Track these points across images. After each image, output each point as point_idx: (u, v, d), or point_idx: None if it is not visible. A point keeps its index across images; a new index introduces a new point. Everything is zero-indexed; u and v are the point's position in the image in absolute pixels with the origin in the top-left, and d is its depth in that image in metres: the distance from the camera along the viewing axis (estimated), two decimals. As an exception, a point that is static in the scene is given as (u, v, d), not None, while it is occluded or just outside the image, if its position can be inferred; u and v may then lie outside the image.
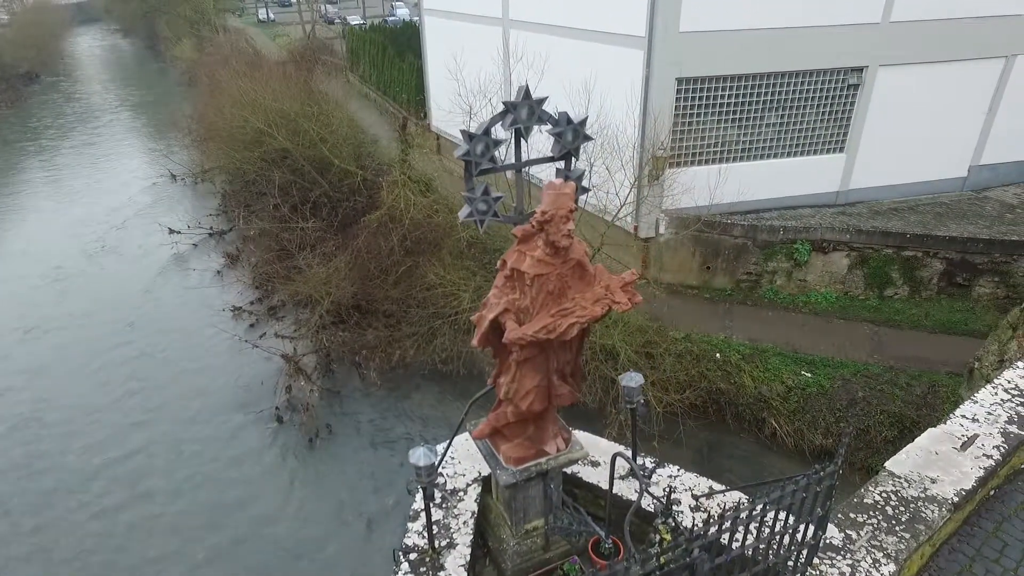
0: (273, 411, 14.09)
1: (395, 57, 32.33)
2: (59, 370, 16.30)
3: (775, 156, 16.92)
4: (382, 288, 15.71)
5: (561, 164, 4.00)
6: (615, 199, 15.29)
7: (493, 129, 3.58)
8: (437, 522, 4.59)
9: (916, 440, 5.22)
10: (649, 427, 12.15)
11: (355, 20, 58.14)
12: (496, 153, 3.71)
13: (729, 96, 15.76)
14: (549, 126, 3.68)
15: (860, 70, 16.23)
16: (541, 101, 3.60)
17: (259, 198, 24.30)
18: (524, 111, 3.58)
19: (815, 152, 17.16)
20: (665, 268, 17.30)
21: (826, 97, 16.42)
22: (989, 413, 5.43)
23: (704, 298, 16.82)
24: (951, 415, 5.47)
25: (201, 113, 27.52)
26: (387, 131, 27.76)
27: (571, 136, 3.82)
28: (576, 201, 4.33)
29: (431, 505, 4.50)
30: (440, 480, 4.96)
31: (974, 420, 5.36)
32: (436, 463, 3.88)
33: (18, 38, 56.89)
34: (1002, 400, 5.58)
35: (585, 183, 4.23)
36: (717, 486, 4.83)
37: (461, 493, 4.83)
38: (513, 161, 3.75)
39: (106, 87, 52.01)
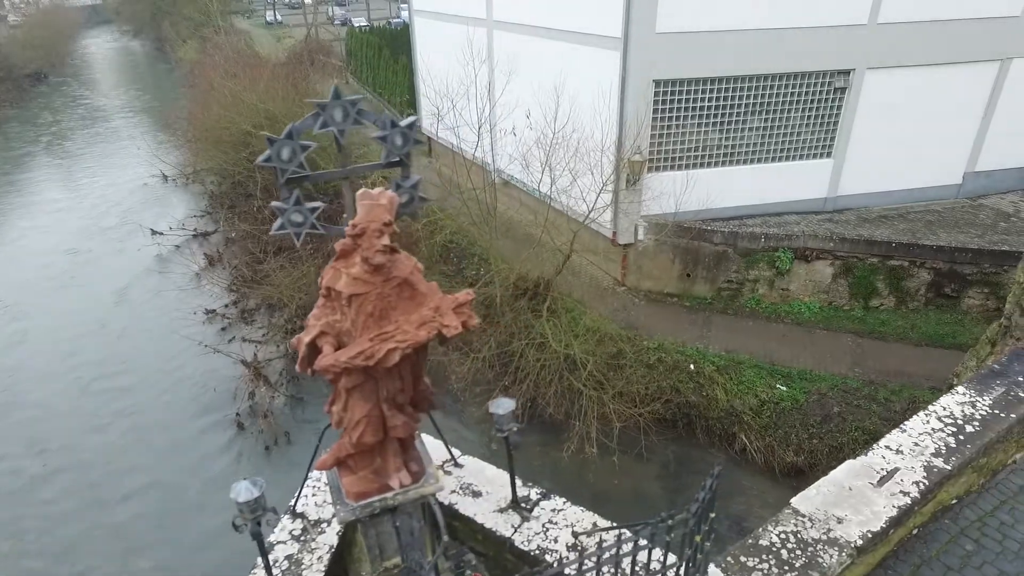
0: (234, 417, 13.83)
1: (390, 59, 32.17)
2: (25, 369, 16.20)
3: (759, 161, 16.43)
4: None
5: (421, 175, 3.63)
6: (595, 202, 14.88)
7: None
8: (290, 557, 4.24)
9: (831, 473, 4.79)
10: (610, 441, 11.73)
11: (360, 22, 58.25)
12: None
13: (709, 99, 15.31)
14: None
15: (847, 73, 15.72)
16: (355, 102, 3.25)
17: (246, 199, 24.13)
18: (337, 112, 3.23)
19: (801, 157, 16.65)
20: (644, 275, 16.87)
21: (812, 100, 15.92)
22: (916, 444, 4.98)
23: (684, 306, 16.35)
24: (874, 445, 5.03)
25: (192, 114, 27.45)
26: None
27: (400, 140, 3.46)
28: (416, 213, 3.98)
29: (286, 538, 4.16)
30: (305, 507, 4.61)
31: (898, 452, 4.91)
32: (261, 498, 3.52)
33: (27, 39, 57.54)
34: (932, 429, 5.13)
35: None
36: (603, 522, 4.43)
37: (324, 525, 4.47)
38: (341, 167, 3.41)
39: (110, 88, 52.39)
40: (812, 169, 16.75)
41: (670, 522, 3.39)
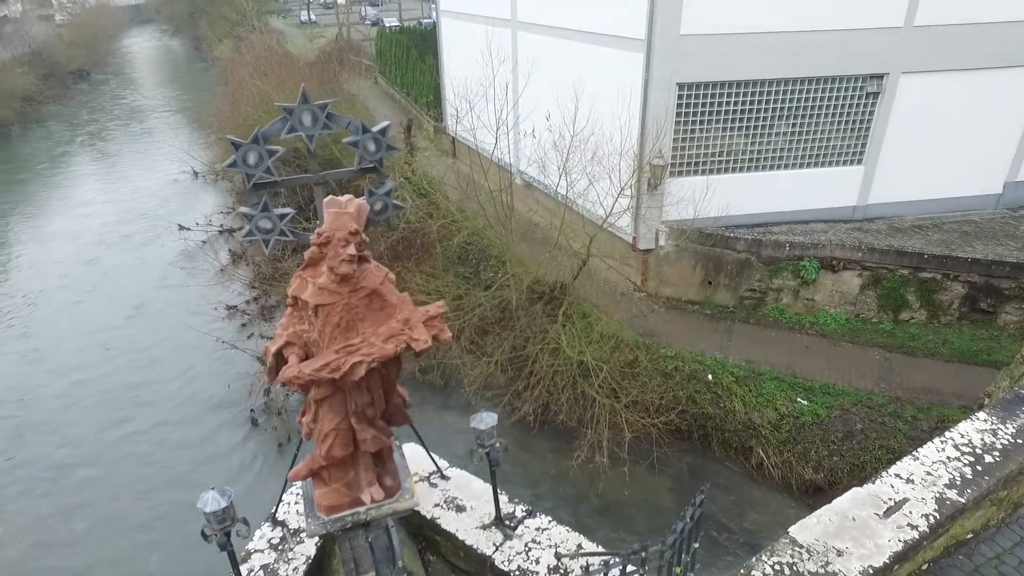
0: (248, 414, 13.95)
1: (417, 59, 32.25)
2: (52, 357, 16.63)
3: (786, 167, 15.99)
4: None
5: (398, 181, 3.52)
6: (612, 207, 14.64)
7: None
8: (266, 567, 4.16)
9: (834, 501, 4.53)
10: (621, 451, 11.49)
11: (391, 22, 58.60)
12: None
13: (735, 103, 14.94)
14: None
15: (880, 77, 15.18)
16: (324, 106, 3.14)
17: (272, 196, 24.35)
18: (306, 117, 3.13)
19: (830, 164, 16.14)
20: (665, 281, 16.55)
21: (842, 105, 15.42)
22: (929, 473, 4.69)
23: (705, 314, 15.99)
24: (883, 473, 4.75)
25: (222, 111, 27.93)
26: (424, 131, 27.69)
27: (373, 146, 3.35)
28: (390, 221, 3.85)
29: (269, 545, 4.08)
30: (286, 514, 4.53)
31: (908, 481, 4.62)
32: (230, 508, 3.44)
33: (72, 37, 59.35)
34: (948, 458, 4.82)
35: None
36: (588, 544, 4.25)
37: (304, 534, 4.38)
38: (312, 173, 3.31)
39: (148, 86, 53.76)
40: (841, 176, 16.23)
41: (654, 550, 3.21)
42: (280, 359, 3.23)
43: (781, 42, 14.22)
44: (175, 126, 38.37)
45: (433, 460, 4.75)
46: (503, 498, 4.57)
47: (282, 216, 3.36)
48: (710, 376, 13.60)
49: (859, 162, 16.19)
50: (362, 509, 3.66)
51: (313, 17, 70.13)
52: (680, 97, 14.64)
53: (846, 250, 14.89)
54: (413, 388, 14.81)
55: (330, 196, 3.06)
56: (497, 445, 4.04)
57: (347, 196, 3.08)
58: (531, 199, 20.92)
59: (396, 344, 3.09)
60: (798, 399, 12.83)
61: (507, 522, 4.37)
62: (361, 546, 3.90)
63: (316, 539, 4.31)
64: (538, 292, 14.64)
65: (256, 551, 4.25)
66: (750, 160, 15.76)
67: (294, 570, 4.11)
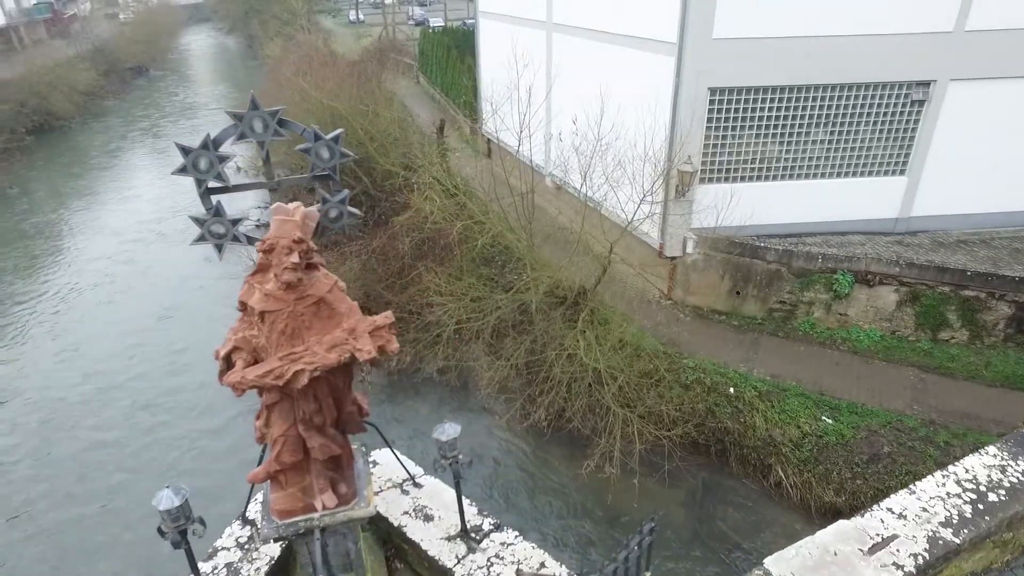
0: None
1: (457, 59, 32.43)
2: (93, 341, 17.32)
3: (822, 176, 15.43)
4: (391, 291, 15.57)
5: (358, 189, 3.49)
6: (635, 213, 14.39)
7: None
8: (229, 565, 4.19)
9: (817, 533, 4.30)
10: (631, 461, 11.25)
11: (436, 22, 59.12)
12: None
13: (769, 109, 14.50)
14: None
15: (927, 84, 14.50)
16: (274, 113, 3.13)
17: (307, 193, 24.88)
18: (257, 123, 3.12)
19: (870, 174, 15.51)
20: (692, 290, 16.20)
21: (885, 113, 14.79)
22: (924, 509, 4.41)
23: (731, 325, 15.57)
24: (875, 506, 4.49)
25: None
26: (447, 132, 27.83)
27: (326, 154, 3.32)
28: (345, 229, 3.82)
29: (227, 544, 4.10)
30: (257, 513, 4.56)
31: (900, 516, 4.36)
32: (184, 506, 3.47)
33: (133, 35, 61.90)
34: (947, 494, 4.52)
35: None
36: (552, 562, 4.14)
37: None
38: (266, 179, 3.30)
39: (202, 82, 55.65)
40: (882, 187, 15.57)
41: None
42: (229, 362, 3.25)
43: (820, 47, 13.72)
44: (222, 123, 39.49)
45: (405, 468, 4.71)
46: (472, 510, 4.50)
47: (235, 221, 3.38)
48: (732, 389, 13.23)
49: (902, 172, 15.50)
50: (316, 515, 3.65)
51: (361, 17, 71.33)
52: (712, 102, 14.29)
53: (882, 264, 14.27)
54: (431, 388, 14.89)
55: (277, 203, 3.06)
56: (460, 457, 3.98)
57: (295, 203, 3.07)
58: (561, 202, 20.77)
59: (340, 354, 3.06)
60: (823, 417, 12.36)
61: (473, 534, 4.30)
62: (318, 551, 3.88)
63: (280, 541, 4.31)
64: (559, 296, 14.49)
65: (223, 548, 4.30)
66: (784, 168, 15.27)
67: (256, 570, 4.13)
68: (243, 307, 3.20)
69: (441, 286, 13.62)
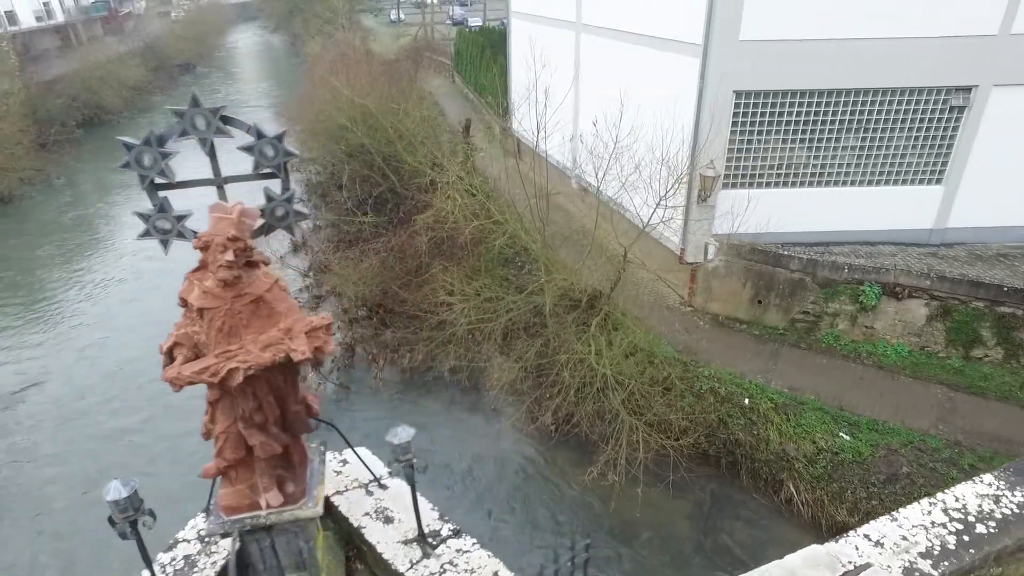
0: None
1: (490, 59, 32.47)
2: (122, 320, 17.88)
3: (852, 184, 14.93)
4: (407, 290, 15.66)
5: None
6: (650, 217, 14.14)
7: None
8: (188, 557, 4.23)
9: (786, 557, 4.11)
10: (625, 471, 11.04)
11: (476, 22, 59.39)
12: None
13: (798, 113, 14.09)
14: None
15: (968, 90, 13.88)
16: (216, 110, 3.12)
17: (338, 190, 25.25)
18: (199, 120, 3.12)
19: (904, 182, 14.93)
20: (713, 297, 15.83)
21: (921, 119, 14.22)
22: (904, 538, 4.17)
23: (752, 335, 15.17)
24: (851, 532, 4.28)
25: (300, 106, 29.16)
26: (475, 132, 27.87)
27: (271, 152, 3.30)
28: (292, 228, 3.79)
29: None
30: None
31: (877, 544, 4.13)
32: (133, 497, 3.51)
33: (183, 33, 63.91)
34: (932, 523, 4.27)
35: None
36: (506, 572, 4.06)
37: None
38: (214, 176, 3.31)
39: (245, 79, 57.07)
40: (917, 196, 14.97)
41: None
42: (172, 358, 3.27)
43: (853, 50, 13.26)
44: (261, 119, 40.41)
45: (369, 469, 4.69)
46: (433, 514, 4.46)
47: (180, 217, 3.40)
48: (747, 400, 12.88)
49: (938, 182, 14.88)
50: (262, 513, 3.65)
51: (402, 16, 72.19)
52: (737, 105, 13.96)
53: (912, 277, 13.70)
54: (443, 387, 14.89)
55: (216, 201, 3.06)
56: (414, 460, 3.93)
57: (235, 202, 3.07)
58: (585, 204, 20.59)
59: (274, 353, 3.05)
60: (840, 433, 11.93)
61: (430, 539, 4.25)
62: (268, 549, 3.89)
63: (228, 537, 4.33)
64: (574, 300, 14.34)
65: (183, 540, 4.34)
66: (812, 175, 14.82)
67: (212, 563, 4.16)
68: (184, 303, 3.22)
69: (453, 285, 13.62)
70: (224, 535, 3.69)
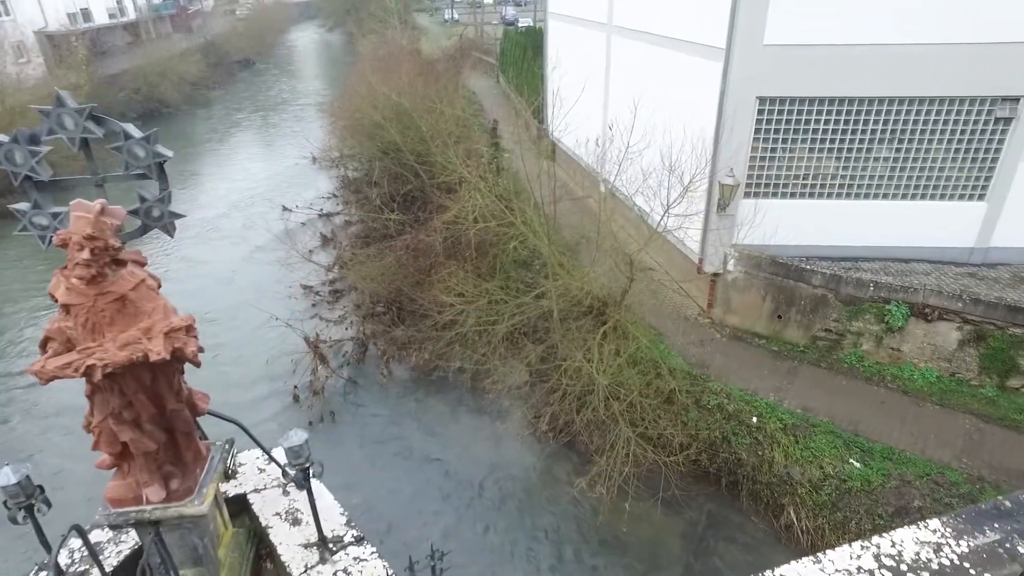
0: (292, 389, 14.76)
1: (531, 60, 32.40)
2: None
3: (884, 197, 14.16)
4: (420, 288, 15.74)
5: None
6: (668, 224, 13.77)
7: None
8: (97, 544, 4.32)
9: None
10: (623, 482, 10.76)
11: (526, 22, 59.37)
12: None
13: (826, 121, 13.45)
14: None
15: (1016, 100, 12.94)
16: (82, 110, 3.14)
17: (371, 186, 25.66)
18: (67, 120, 3.14)
19: (942, 197, 14.06)
20: (731, 309, 15.34)
21: (963, 131, 13.35)
22: (821, 585, 3.88)
23: (770, 350, 14.60)
24: (767, 571, 4.00)
25: (342, 103, 29.78)
26: (513, 132, 27.84)
27: (141, 152, 3.30)
28: (168, 228, 3.78)
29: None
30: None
31: (791, 589, 3.86)
32: (25, 483, 3.59)
33: (244, 30, 66.31)
34: (859, 568, 3.95)
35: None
36: (400, 585, 3.98)
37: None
38: (90, 175, 3.33)
39: (300, 76, 58.76)
40: (956, 212, 14.08)
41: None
42: (44, 351, 3.32)
43: (886, 56, 12.57)
44: (310, 115, 41.59)
45: (283, 469, 4.67)
46: (341, 519, 4.42)
47: (56, 214, 3.46)
48: (755, 419, 12.39)
49: (980, 197, 13.95)
50: (148, 507, 3.68)
51: (456, 15, 72.88)
52: (760, 112, 13.43)
53: (943, 298, 12.89)
54: (449, 388, 14.89)
55: (78, 200, 3.09)
56: (307, 465, 3.90)
57: (99, 200, 3.10)
58: (613, 209, 20.25)
59: (131, 352, 3.06)
60: (850, 459, 11.33)
61: (331, 545, 4.21)
62: (157, 543, 3.92)
63: (115, 529, 4.37)
64: (585, 306, 14.11)
65: (98, 527, 4.43)
66: (841, 186, 14.13)
67: (119, 552, 4.23)
68: (54, 299, 3.27)
69: (457, 286, 13.60)
70: (114, 527, 3.74)
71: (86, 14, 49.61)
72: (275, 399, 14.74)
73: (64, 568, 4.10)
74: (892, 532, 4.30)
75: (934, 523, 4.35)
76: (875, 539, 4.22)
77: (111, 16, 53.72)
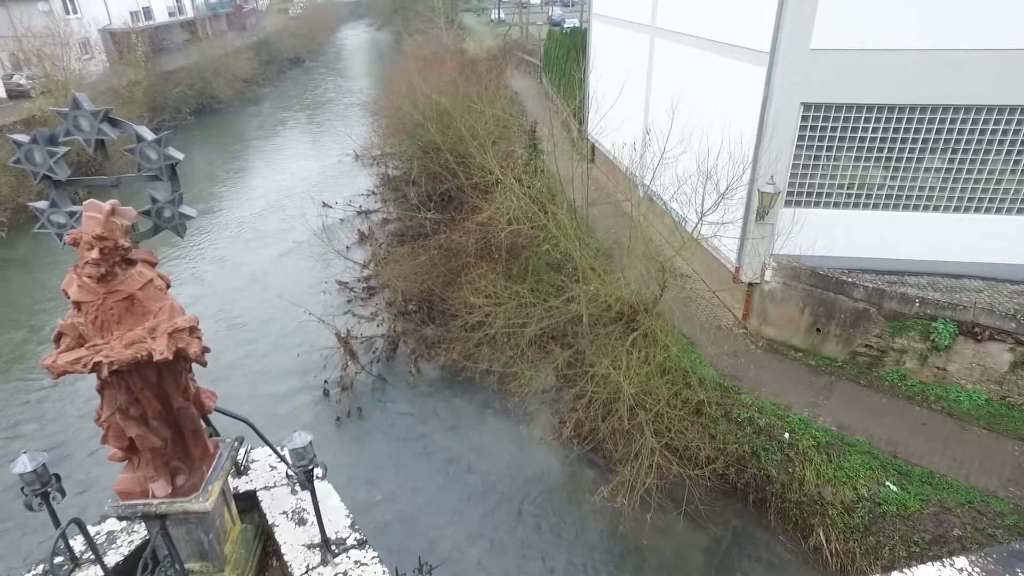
0: (323, 384, 15.00)
1: (574, 61, 32.16)
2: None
3: (935, 209, 13.56)
4: (450, 288, 15.80)
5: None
6: (703, 231, 13.48)
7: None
8: (111, 533, 4.44)
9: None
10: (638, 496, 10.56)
11: (572, 23, 59.05)
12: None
13: (874, 130, 12.95)
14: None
15: (1082, 110, 12.22)
16: (98, 112, 3.20)
17: (409, 184, 25.92)
18: (83, 122, 3.22)
19: (999, 211, 13.39)
20: (768, 321, 14.92)
21: (1022, 141, 12.67)
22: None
23: (807, 364, 14.16)
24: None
25: (384, 102, 30.18)
26: (551, 134, 27.73)
27: (153, 155, 3.35)
28: (179, 229, 3.83)
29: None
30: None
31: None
32: (42, 471, 3.72)
33: (296, 29, 67.89)
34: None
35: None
36: (397, 592, 3.97)
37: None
38: (106, 176, 3.40)
39: (348, 74, 59.84)
40: (1013, 227, 13.39)
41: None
42: (57, 345, 3.42)
43: (941, 62, 12.01)
44: (355, 113, 42.26)
45: (289, 467, 4.72)
46: (346, 521, 4.44)
47: (72, 213, 3.55)
48: (787, 435, 12.02)
49: (1040, 212, 13.22)
50: (155, 501, 3.76)
51: (503, 15, 73.06)
52: (804, 119, 13.02)
53: (995, 317, 12.25)
54: (476, 389, 14.89)
55: (91, 200, 3.17)
56: (311, 467, 3.92)
57: (111, 201, 3.16)
58: (652, 213, 19.96)
59: (136, 351, 3.12)
60: (887, 482, 10.87)
61: (333, 547, 4.23)
62: (163, 536, 4.00)
63: (124, 520, 4.48)
64: (615, 311, 13.93)
65: (111, 517, 4.55)
66: (888, 197, 13.59)
67: (130, 542, 4.34)
68: (67, 296, 3.37)
69: (487, 288, 13.58)
70: (122, 518, 3.83)
71: (147, 12, 51.59)
72: (305, 393, 15.01)
73: (79, 555, 4.23)
74: (914, 568, 4.07)
75: (961, 561, 4.10)
76: (894, 574, 4.01)
77: (170, 14, 55.72)
